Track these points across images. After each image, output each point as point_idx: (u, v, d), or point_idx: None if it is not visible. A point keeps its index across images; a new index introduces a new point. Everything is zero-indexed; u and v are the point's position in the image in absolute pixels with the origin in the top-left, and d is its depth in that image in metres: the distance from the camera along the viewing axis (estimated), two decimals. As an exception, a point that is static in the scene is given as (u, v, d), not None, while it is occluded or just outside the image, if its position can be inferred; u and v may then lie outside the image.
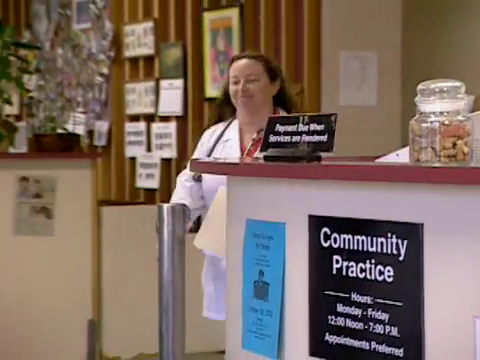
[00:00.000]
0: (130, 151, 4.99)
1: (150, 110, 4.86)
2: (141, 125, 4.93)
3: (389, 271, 1.30)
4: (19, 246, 3.50)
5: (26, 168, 3.52)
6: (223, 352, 1.70)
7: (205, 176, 2.34)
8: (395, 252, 1.30)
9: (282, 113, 2.37)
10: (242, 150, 2.36)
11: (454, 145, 1.36)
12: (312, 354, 1.41)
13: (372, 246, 1.33)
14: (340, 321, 1.37)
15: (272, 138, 1.53)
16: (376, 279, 1.32)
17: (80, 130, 4.87)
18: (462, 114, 1.38)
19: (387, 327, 1.30)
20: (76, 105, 5.32)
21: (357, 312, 1.35)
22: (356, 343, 1.35)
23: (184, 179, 2.45)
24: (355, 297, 1.35)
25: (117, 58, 5.02)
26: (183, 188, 2.43)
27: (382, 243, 1.32)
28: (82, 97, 5.28)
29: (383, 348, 1.31)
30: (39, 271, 3.52)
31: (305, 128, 1.48)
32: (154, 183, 4.70)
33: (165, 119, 4.81)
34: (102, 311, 3.65)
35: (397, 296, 1.29)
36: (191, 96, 4.60)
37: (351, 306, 1.35)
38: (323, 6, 3.97)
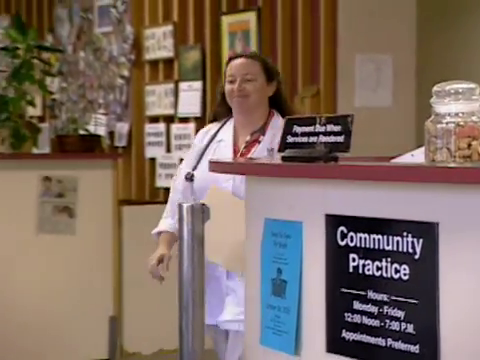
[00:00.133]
0: (150, 152, 5.03)
1: (169, 111, 4.90)
2: (161, 126, 4.98)
3: (405, 269, 1.32)
4: (42, 244, 3.55)
5: (49, 168, 3.57)
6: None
7: (197, 175, 2.29)
8: (411, 251, 1.32)
9: (277, 115, 2.31)
10: (235, 151, 2.30)
11: (469, 146, 1.37)
12: (329, 350, 1.43)
13: (388, 245, 1.35)
14: (357, 318, 1.39)
15: (290, 139, 1.55)
16: (392, 277, 1.34)
17: (101, 131, 4.93)
18: (477, 115, 1.39)
19: (403, 324, 1.32)
20: (97, 107, 5.38)
21: (373, 309, 1.36)
22: (372, 340, 1.37)
23: (177, 183, 2.36)
24: (371, 295, 1.37)
25: (137, 61, 5.08)
26: (175, 193, 2.36)
27: (398, 242, 1.34)
28: (103, 99, 5.34)
29: (399, 345, 1.33)
30: (61, 268, 3.57)
31: (322, 129, 1.50)
32: (173, 183, 4.72)
33: (184, 120, 4.85)
34: (123, 308, 3.69)
35: (413, 294, 1.31)
36: (209, 98, 4.64)
37: (367, 303, 1.37)
38: (339, 10, 4.00)
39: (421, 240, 1.31)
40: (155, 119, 5.04)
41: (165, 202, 2.49)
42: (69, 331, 3.58)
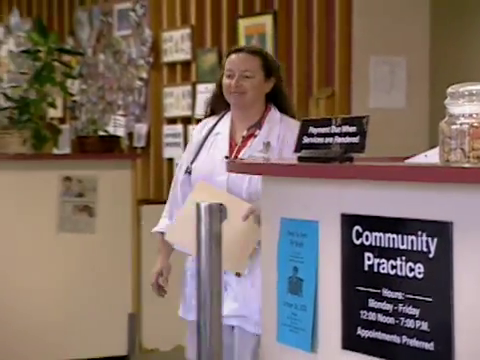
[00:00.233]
0: (168, 152, 5.08)
1: (187, 113, 4.94)
2: (178, 127, 5.02)
3: (419, 268, 1.34)
4: (62, 243, 3.60)
5: (69, 168, 3.61)
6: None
7: (194, 168, 2.30)
8: (425, 250, 1.33)
9: (274, 110, 2.30)
10: (232, 145, 2.29)
11: (483, 146, 1.39)
12: (345, 347, 1.45)
13: (403, 244, 1.37)
14: (372, 316, 1.40)
15: (306, 140, 1.57)
16: (407, 275, 1.35)
17: (120, 132, 4.98)
18: (491, 116, 1.40)
19: (417, 322, 1.34)
20: (117, 108, 5.44)
21: (388, 307, 1.38)
22: (387, 337, 1.38)
23: (177, 177, 2.37)
24: (386, 293, 1.39)
25: (156, 63, 5.13)
26: (173, 189, 2.38)
27: (412, 241, 1.35)
28: (122, 100, 5.40)
29: (414, 342, 1.34)
30: (81, 266, 3.61)
31: (338, 130, 1.52)
32: (191, 184, 4.75)
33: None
34: (141, 305, 3.73)
35: (427, 292, 1.33)
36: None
37: (382, 301, 1.39)
38: (354, 13, 4.02)
39: (435, 239, 1.32)
40: (173, 120, 5.08)
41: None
42: (89, 328, 3.62)
